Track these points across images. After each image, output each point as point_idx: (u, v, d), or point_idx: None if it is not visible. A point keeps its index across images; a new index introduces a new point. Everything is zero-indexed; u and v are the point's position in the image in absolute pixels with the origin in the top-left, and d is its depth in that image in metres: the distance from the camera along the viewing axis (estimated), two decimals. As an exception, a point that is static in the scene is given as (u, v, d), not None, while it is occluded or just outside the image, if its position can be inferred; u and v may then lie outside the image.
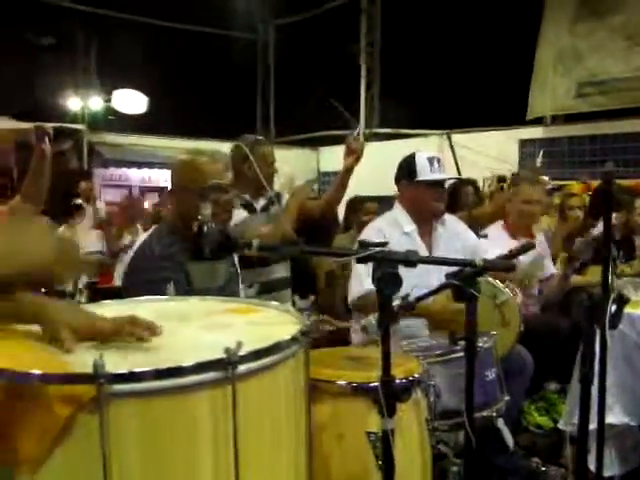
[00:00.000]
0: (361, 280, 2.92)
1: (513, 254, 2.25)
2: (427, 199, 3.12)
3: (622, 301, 1.86)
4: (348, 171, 3.46)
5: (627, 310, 2.78)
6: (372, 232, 3.13)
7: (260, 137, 3.42)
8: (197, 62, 11.60)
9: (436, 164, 3.11)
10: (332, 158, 12.11)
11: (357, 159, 3.39)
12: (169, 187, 2.43)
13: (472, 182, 5.41)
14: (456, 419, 2.20)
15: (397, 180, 3.24)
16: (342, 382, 1.96)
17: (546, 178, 5.17)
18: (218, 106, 11.56)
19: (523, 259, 3.60)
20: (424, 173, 3.08)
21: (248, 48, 13.58)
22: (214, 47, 12.12)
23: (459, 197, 5.30)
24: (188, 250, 2.02)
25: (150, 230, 2.43)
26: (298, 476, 1.47)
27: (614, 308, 1.84)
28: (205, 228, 1.48)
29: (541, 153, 5.59)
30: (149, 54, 10.92)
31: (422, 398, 2.09)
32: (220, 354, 1.21)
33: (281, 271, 3.48)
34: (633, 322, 2.84)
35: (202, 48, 11.86)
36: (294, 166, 5.54)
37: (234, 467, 1.24)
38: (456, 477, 2.45)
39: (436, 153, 3.25)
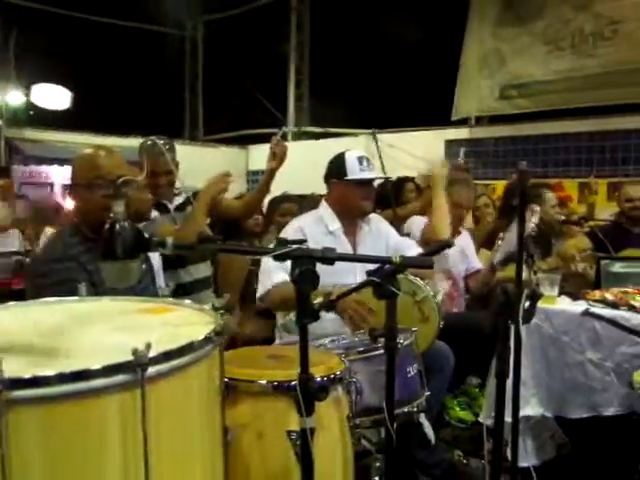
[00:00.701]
0: (269, 275, 2.92)
1: (431, 251, 2.28)
2: (356, 197, 3.15)
3: (535, 296, 1.91)
4: (271, 174, 3.49)
5: (543, 305, 2.91)
6: (290, 230, 3.13)
7: (161, 141, 3.29)
8: (124, 57, 11.33)
9: (365, 163, 3.15)
10: (261, 156, 11.96)
11: (280, 162, 3.42)
12: (69, 185, 2.36)
13: (412, 179, 5.49)
14: (378, 415, 2.20)
15: (327, 178, 3.25)
16: (262, 381, 1.94)
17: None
18: (145, 103, 11.33)
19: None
20: (354, 172, 3.11)
21: (176, 44, 13.36)
22: (142, 43, 11.86)
23: (402, 193, 5.39)
24: (94, 250, 1.97)
25: (54, 231, 2.36)
26: (214, 479, 1.45)
27: (527, 304, 1.89)
28: (117, 227, 1.43)
29: (462, 151, 5.69)
30: (73, 48, 10.60)
31: (343, 395, 2.09)
32: (129, 356, 1.17)
33: (200, 272, 3.42)
34: (549, 317, 2.93)
35: (129, 43, 11.60)
36: (223, 165, 5.47)
37: (144, 473, 1.21)
38: (378, 473, 2.47)
39: (365, 153, 3.27)
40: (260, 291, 3.00)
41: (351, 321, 2.70)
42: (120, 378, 1.17)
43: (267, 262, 2.95)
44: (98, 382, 1.15)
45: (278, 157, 3.41)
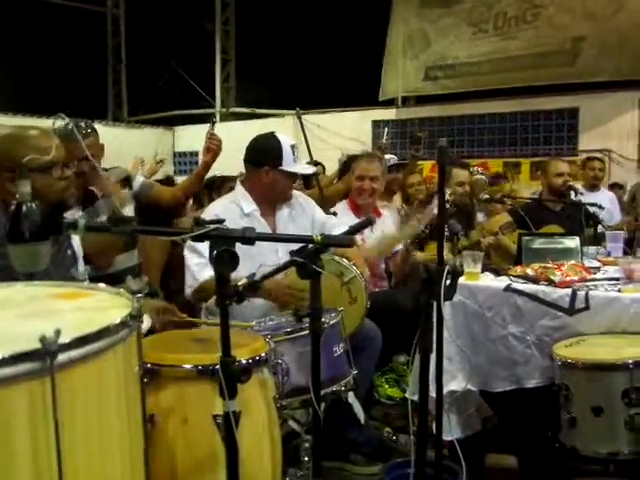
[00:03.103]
0: (194, 275, 2.87)
1: (352, 230, 2.28)
2: (286, 187, 3.14)
3: (456, 273, 1.93)
4: (207, 166, 3.52)
5: (467, 282, 2.96)
6: (207, 217, 3.05)
7: (82, 123, 3.17)
8: (43, 35, 10.91)
9: (296, 152, 3.12)
10: (187, 137, 11.87)
11: (215, 156, 3.45)
12: None
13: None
14: (306, 395, 2.20)
15: (255, 164, 3.10)
16: (187, 365, 1.90)
17: (392, 156, 5.33)
18: (66, 82, 10.95)
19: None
20: (289, 162, 3.05)
21: (97, 22, 12.93)
22: (61, 20, 11.42)
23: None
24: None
25: None
26: (134, 468, 1.41)
27: (449, 281, 1.91)
28: (24, 208, 1.36)
29: (385, 131, 5.72)
30: (-14, 25, 10.15)
31: (269, 377, 2.07)
32: (37, 344, 1.12)
33: (127, 260, 3.33)
34: (473, 293, 2.98)
35: (48, 20, 11.16)
36: (148, 146, 5.37)
37: (57, 466, 1.15)
38: (308, 453, 2.47)
39: (293, 140, 3.21)
40: (187, 291, 2.93)
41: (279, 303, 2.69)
42: (28, 367, 1.11)
43: (190, 259, 2.89)
44: (4, 371, 1.09)
45: (212, 151, 3.43)
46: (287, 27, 10.38)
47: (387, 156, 5.02)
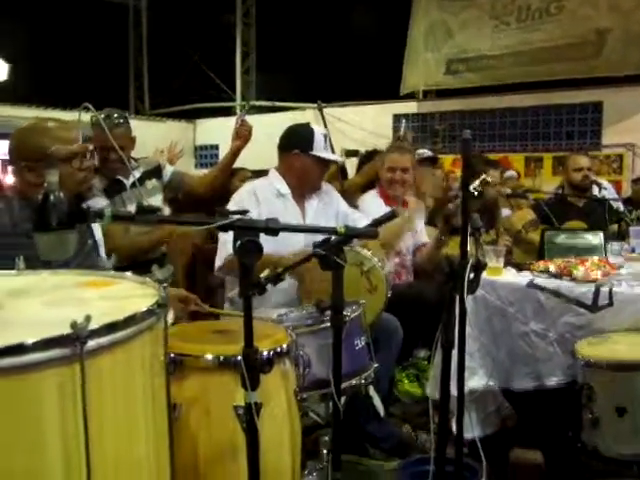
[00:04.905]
0: (226, 247, 2.92)
1: (377, 222, 2.28)
2: (316, 173, 3.21)
3: (479, 267, 1.92)
4: (235, 154, 3.54)
5: (490, 277, 2.94)
6: (245, 194, 3.13)
7: (115, 115, 3.21)
8: (65, 28, 10.94)
9: (328, 142, 3.23)
10: (208, 131, 11.89)
11: (245, 141, 3.46)
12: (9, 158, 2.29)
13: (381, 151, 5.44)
14: (327, 389, 2.20)
15: (287, 148, 3.21)
16: (209, 356, 1.91)
17: (425, 150, 5.30)
18: (87, 76, 11.00)
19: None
20: (319, 149, 3.14)
21: (119, 14, 12.97)
22: (83, 12, 11.46)
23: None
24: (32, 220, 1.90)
25: None
26: (159, 454, 1.42)
27: (472, 275, 1.90)
28: (52, 197, 1.37)
29: (403, 124, 5.69)
30: (10, 18, 10.19)
31: (290, 369, 2.07)
32: (67, 329, 1.13)
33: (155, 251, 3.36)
34: (495, 288, 2.97)
35: (70, 13, 11.19)
36: (169, 139, 5.39)
37: (85, 450, 1.17)
38: (327, 446, 2.47)
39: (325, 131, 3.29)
40: (217, 262, 3.01)
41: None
42: (58, 352, 1.12)
43: (223, 234, 2.95)
44: (34, 356, 1.10)
45: (243, 137, 3.44)
46: (307, 20, 10.35)
47: (420, 150, 5.01)
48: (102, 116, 3.03)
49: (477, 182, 2.33)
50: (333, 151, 5.22)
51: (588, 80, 8.39)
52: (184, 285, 3.50)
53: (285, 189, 3.18)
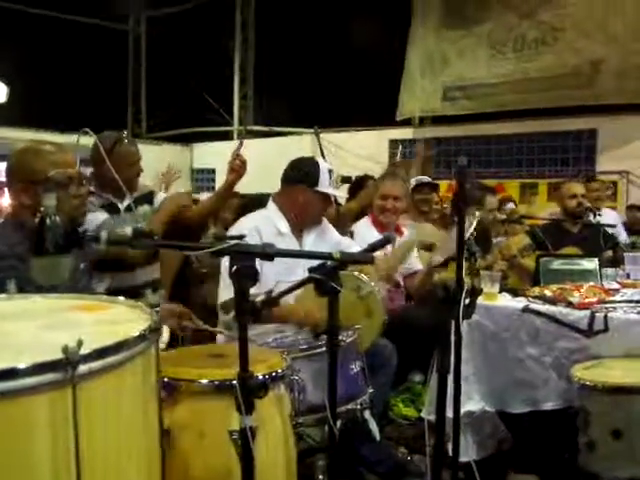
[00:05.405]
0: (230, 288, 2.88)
1: (371, 247, 2.28)
2: (319, 209, 3.21)
3: (475, 293, 1.92)
4: (230, 186, 3.48)
5: (485, 302, 2.95)
6: (246, 230, 3.05)
7: (124, 134, 3.27)
8: (64, 52, 11.03)
9: (332, 177, 3.19)
10: (205, 155, 11.94)
11: (239, 176, 3.41)
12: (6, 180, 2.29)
13: (372, 177, 5.50)
14: (322, 413, 2.19)
15: (291, 181, 3.18)
16: (203, 381, 1.90)
17: (424, 177, 5.36)
18: (86, 99, 11.06)
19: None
20: (324, 184, 3.13)
21: (119, 39, 13.09)
22: (83, 37, 11.56)
23: (364, 189, 5.38)
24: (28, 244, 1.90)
25: None
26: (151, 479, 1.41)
27: (467, 300, 1.90)
28: (48, 221, 1.38)
29: (399, 150, 5.74)
30: (10, 41, 10.27)
31: (285, 393, 2.07)
32: (59, 354, 1.13)
33: (148, 274, 3.34)
34: (490, 313, 2.97)
35: (70, 37, 11.29)
36: (166, 163, 5.41)
37: (76, 475, 1.16)
38: (322, 471, 2.45)
39: (330, 165, 3.28)
40: (222, 297, 2.93)
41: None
42: (50, 377, 1.12)
43: (225, 271, 2.88)
44: (26, 381, 1.10)
45: (236, 172, 3.39)
46: (305, 46, 10.45)
47: (419, 176, 5.09)
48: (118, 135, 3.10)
49: (471, 228, 2.33)
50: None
51: (583, 108, 8.47)
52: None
53: (285, 228, 3.14)
